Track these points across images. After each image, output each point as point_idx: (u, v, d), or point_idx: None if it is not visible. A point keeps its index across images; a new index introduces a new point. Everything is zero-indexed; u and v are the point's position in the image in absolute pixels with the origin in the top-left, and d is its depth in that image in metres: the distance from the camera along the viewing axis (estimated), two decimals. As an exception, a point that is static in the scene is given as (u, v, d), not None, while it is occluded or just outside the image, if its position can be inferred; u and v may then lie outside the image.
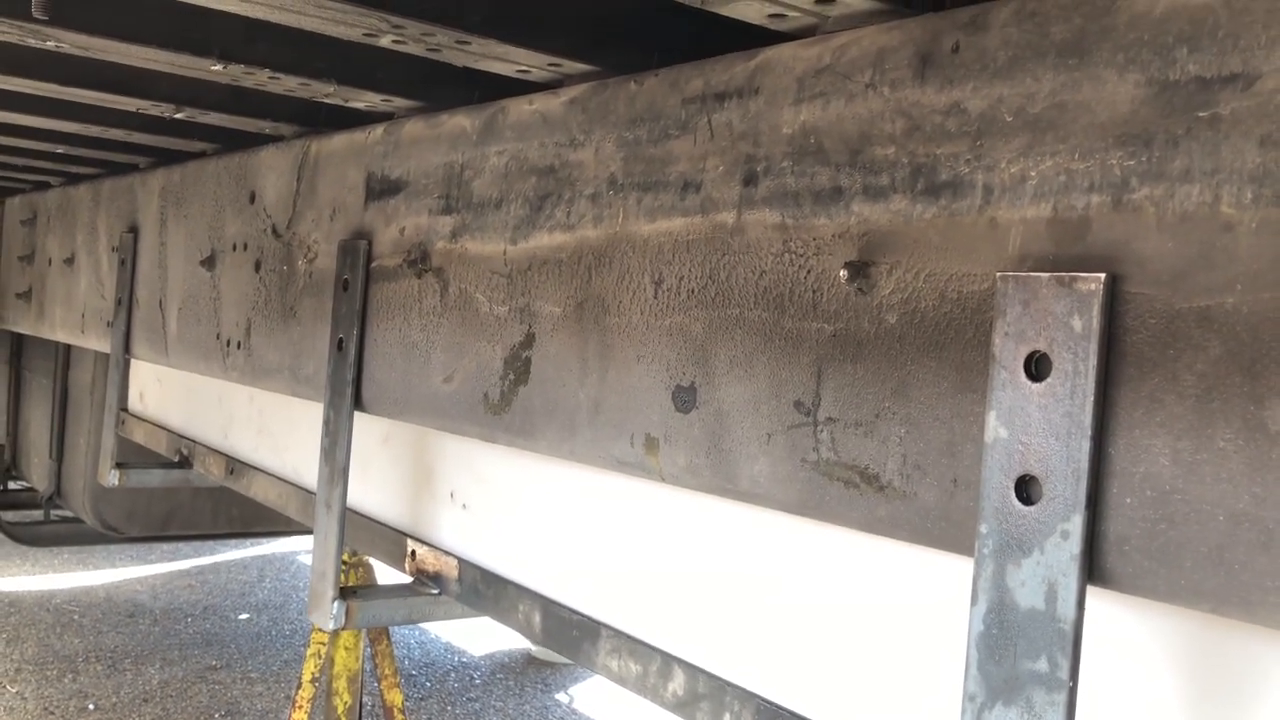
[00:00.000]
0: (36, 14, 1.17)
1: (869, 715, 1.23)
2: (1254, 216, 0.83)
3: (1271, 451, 0.81)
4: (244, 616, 6.30)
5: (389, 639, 4.11)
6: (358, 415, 1.98)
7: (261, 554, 7.69)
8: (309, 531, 5.61)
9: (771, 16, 1.19)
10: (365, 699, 4.52)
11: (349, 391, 1.94)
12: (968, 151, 1.02)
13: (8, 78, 2.00)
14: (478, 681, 5.47)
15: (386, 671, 4.09)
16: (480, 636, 6.14)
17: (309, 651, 3.96)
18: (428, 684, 5.38)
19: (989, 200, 1.00)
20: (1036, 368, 0.94)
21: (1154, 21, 0.90)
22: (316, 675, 3.98)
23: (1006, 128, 0.99)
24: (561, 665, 5.67)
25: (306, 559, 7.60)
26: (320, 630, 3.72)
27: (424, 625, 6.26)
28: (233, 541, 7.58)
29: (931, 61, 1.06)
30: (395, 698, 4.09)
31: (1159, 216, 0.88)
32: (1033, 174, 0.97)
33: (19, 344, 5.25)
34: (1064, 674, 0.90)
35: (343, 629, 1.96)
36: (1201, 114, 0.86)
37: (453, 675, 5.54)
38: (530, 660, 5.78)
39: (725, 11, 1.19)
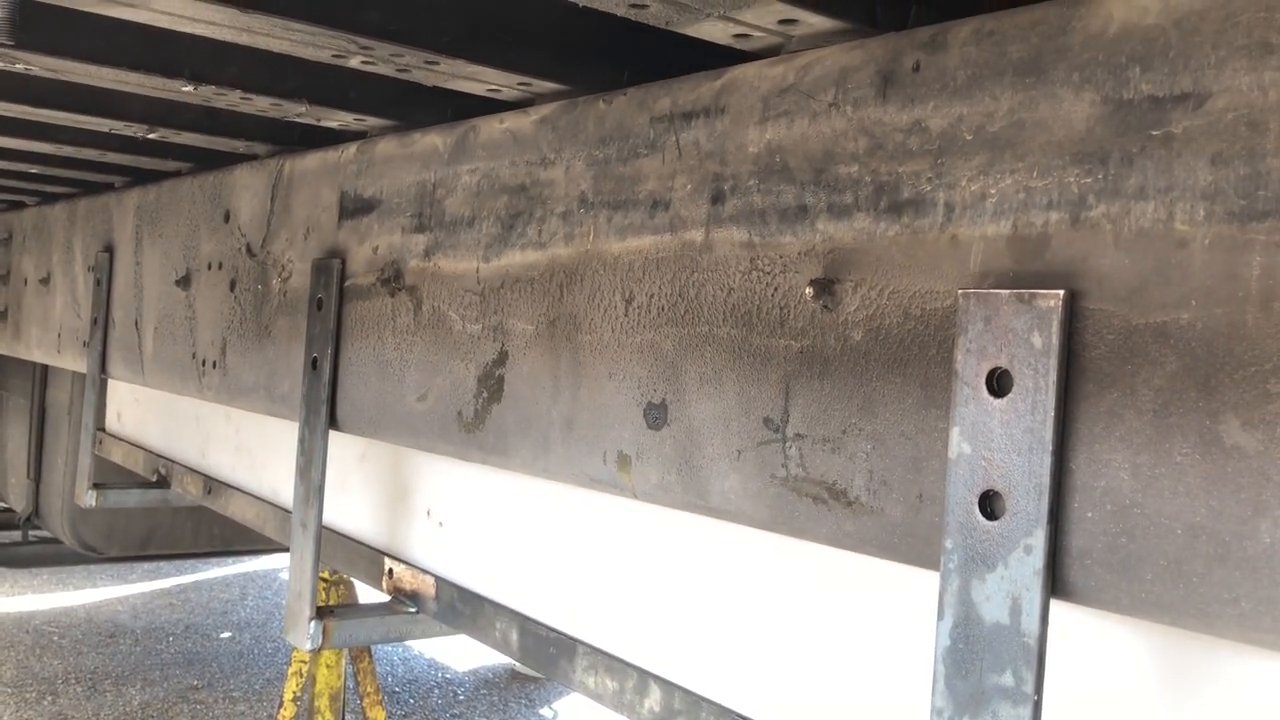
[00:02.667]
0: (3, 39, 1.17)
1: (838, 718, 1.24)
2: (1206, 233, 0.84)
3: (1227, 465, 0.82)
4: (226, 635, 6.26)
5: (371, 656, 4.09)
6: (334, 434, 1.98)
7: (243, 571, 7.64)
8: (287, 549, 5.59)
9: (736, 36, 1.20)
10: (348, 717, 4.50)
11: (324, 410, 1.94)
12: (929, 170, 1.03)
13: (-22, 99, 1.99)
14: (461, 698, 5.45)
15: (369, 689, 4.07)
16: (463, 652, 6.12)
17: (290, 670, 3.94)
18: (411, 701, 5.36)
19: (950, 218, 1.01)
20: (998, 384, 0.95)
21: (1108, 41, 0.91)
22: (298, 694, 3.96)
23: (966, 146, 1.01)
24: (545, 680, 5.66)
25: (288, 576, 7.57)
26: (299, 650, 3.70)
27: (407, 643, 6.23)
28: (214, 560, 7.53)
29: (893, 80, 1.07)
30: (378, 715, 4.07)
31: (1115, 233, 0.89)
32: (993, 192, 0.98)
33: (-4, 364, 5.21)
34: (1029, 688, 0.91)
35: (320, 649, 1.95)
36: (1155, 132, 0.87)
37: (436, 692, 5.52)
38: (514, 676, 5.76)
39: (691, 32, 1.20)
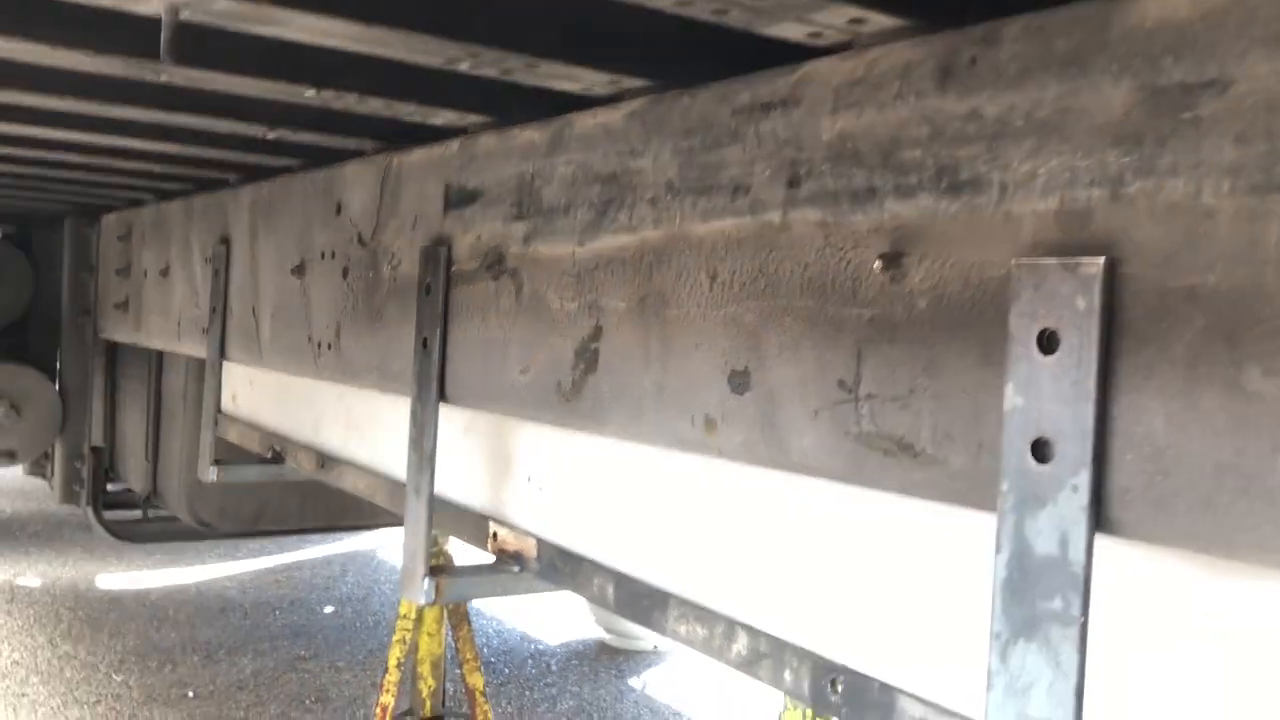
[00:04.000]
0: (165, 58, 1.35)
1: (908, 660, 1.36)
2: (1231, 205, 0.95)
3: (1249, 409, 0.93)
4: (329, 609, 6.56)
5: (469, 625, 4.30)
6: (441, 408, 2.15)
7: (344, 550, 7.96)
8: (390, 525, 5.84)
9: (810, 35, 1.32)
10: (447, 684, 4.73)
11: (434, 386, 2.11)
12: (985, 153, 1.15)
13: (118, 106, 2.20)
14: (553, 668, 5.65)
15: (468, 656, 4.28)
16: (555, 625, 6.33)
17: (394, 638, 4.16)
18: (506, 670, 5.58)
19: (1004, 196, 1.13)
20: (1047, 343, 1.06)
21: (1144, 34, 1.02)
22: (402, 660, 4.19)
23: (1018, 131, 1.12)
24: (634, 652, 5.83)
25: (387, 554, 7.86)
26: (410, 606, 3.91)
27: (501, 616, 6.46)
28: (316, 539, 7.86)
29: (951, 73, 1.19)
30: (476, 681, 4.28)
31: (1150, 207, 1.00)
32: (1041, 171, 1.09)
33: (113, 354, 5.54)
34: (1076, 610, 1.03)
35: (433, 603, 2.12)
36: (1185, 115, 0.98)
37: (530, 662, 5.73)
38: (604, 647, 5.95)
39: (768, 32, 1.33)
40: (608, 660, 5.78)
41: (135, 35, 1.61)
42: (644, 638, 5.83)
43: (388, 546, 7.93)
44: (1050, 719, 1.04)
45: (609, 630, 5.91)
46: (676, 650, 5.88)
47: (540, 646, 6.01)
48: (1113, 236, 1.03)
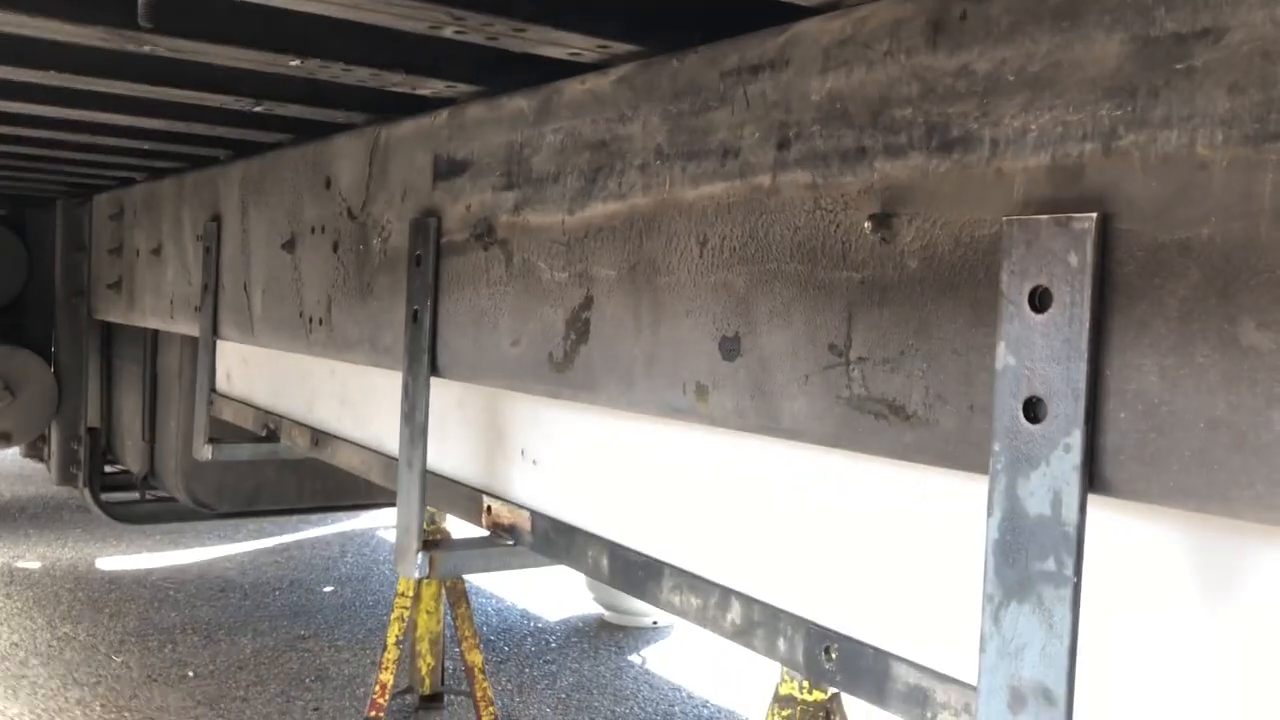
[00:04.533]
0: (143, 23, 1.32)
1: (902, 628, 1.35)
2: (1225, 156, 0.93)
3: (1243, 363, 0.91)
4: (328, 589, 6.56)
5: (468, 603, 4.30)
6: (433, 382, 2.13)
7: (342, 531, 7.97)
8: (388, 504, 5.83)
9: (798, -7, 1.30)
10: (446, 662, 4.73)
11: (425, 359, 2.10)
12: (976, 109, 1.13)
13: (104, 80, 2.17)
14: (553, 645, 5.66)
15: (466, 634, 4.28)
16: (554, 603, 6.34)
17: (393, 616, 4.16)
18: (505, 648, 5.59)
19: (995, 152, 1.11)
20: (1039, 301, 1.04)
21: (1136, -16, 1.00)
22: (400, 638, 4.19)
23: (1009, 86, 1.10)
24: (634, 628, 5.84)
25: (385, 534, 7.86)
26: (408, 584, 3.91)
27: (500, 594, 6.47)
28: (314, 519, 7.87)
29: (942, 29, 1.17)
30: (475, 658, 4.28)
31: (1143, 160, 0.98)
32: (1033, 127, 1.08)
33: (109, 334, 5.52)
34: (1069, 571, 1.01)
35: (427, 577, 2.11)
36: (1178, 66, 0.96)
37: (529, 640, 5.74)
38: (603, 624, 5.96)
39: (756, -9, 1.31)
40: (607, 637, 5.79)
41: (114, 3, 1.58)
42: (643, 614, 5.84)
43: (386, 526, 7.94)
44: (1043, 680, 1.03)
45: (608, 607, 5.92)
46: (676, 626, 5.89)
47: (539, 624, 6.02)
48: (1105, 191, 1.01)
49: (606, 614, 5.97)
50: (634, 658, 5.51)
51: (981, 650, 1.08)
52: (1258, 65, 0.91)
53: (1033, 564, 1.04)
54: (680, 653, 5.58)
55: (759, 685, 4.70)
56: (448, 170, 2.08)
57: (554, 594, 6.46)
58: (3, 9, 1.59)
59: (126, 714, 4.56)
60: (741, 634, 1.61)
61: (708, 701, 4.99)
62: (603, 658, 5.49)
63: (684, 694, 5.06)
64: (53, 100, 2.45)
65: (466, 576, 4.37)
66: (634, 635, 5.82)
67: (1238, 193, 0.92)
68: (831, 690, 2.66)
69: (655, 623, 5.84)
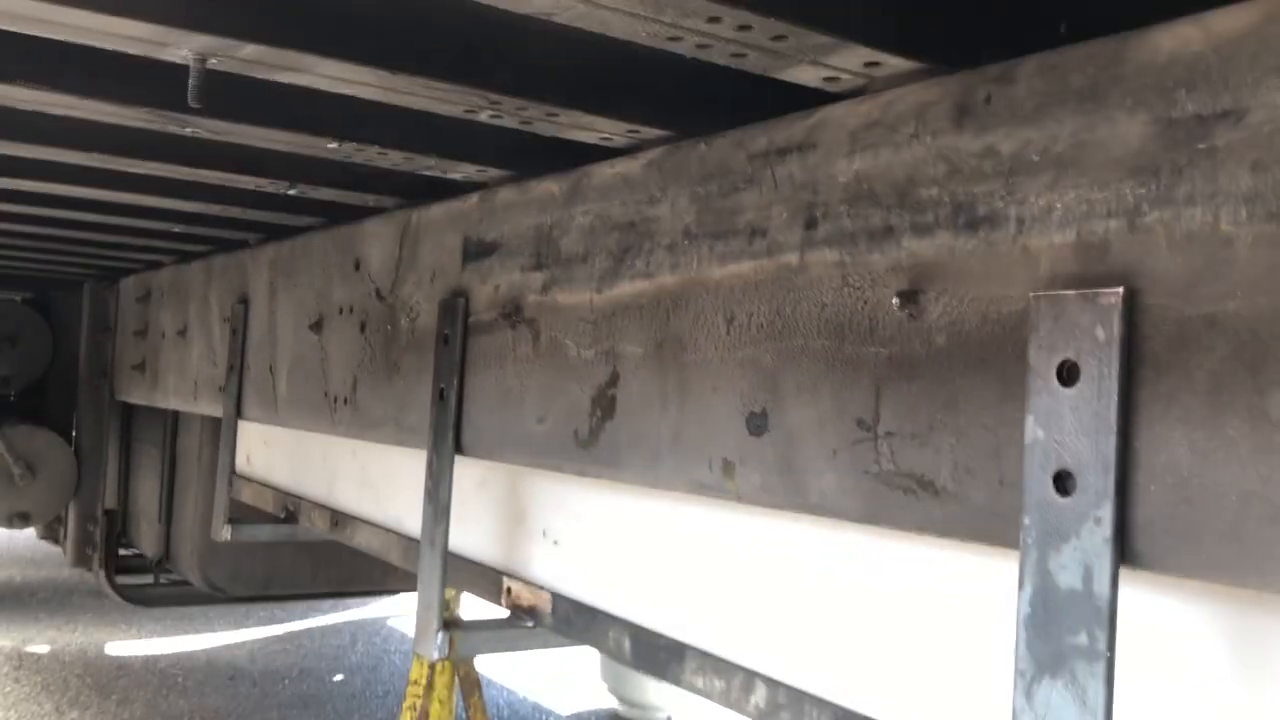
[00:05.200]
0: (193, 104, 1.37)
1: (931, 708, 1.34)
2: (1249, 232, 0.95)
3: (1274, 436, 0.92)
4: (339, 678, 6.47)
5: (480, 692, 4.24)
6: (455, 463, 2.14)
7: (353, 619, 7.88)
8: (400, 590, 5.78)
9: (826, 79, 1.34)
10: (458, 754, 4.64)
11: (450, 436, 2.11)
12: (1001, 189, 1.16)
13: (143, 162, 2.24)
14: (565, 739, 5.55)
15: (479, 723, 4.20)
16: (567, 695, 6.23)
17: (405, 705, 4.10)
18: (517, 741, 5.48)
19: (1021, 230, 1.13)
20: (1067, 374, 1.06)
21: (1157, 68, 1.03)
22: (412, 727, 4.11)
23: (1034, 166, 1.13)
24: (647, 723, 5.73)
25: (396, 623, 7.78)
26: (421, 672, 3.86)
27: (512, 686, 6.37)
28: (325, 607, 7.79)
29: (967, 111, 1.20)
30: (487, 749, 4.20)
31: (1168, 236, 1.01)
32: (1058, 205, 1.10)
33: (128, 417, 5.55)
34: (1102, 645, 1.01)
35: (446, 657, 2.09)
36: (1200, 146, 0.99)
37: (541, 733, 5.63)
38: (616, 718, 5.84)
39: (785, 77, 1.35)
40: (620, 731, 5.68)
41: (163, 85, 1.64)
42: (657, 707, 5.73)
43: (398, 615, 7.85)
44: (1078, 758, 1.02)
45: (621, 700, 5.82)
46: (690, 719, 5.77)
47: (551, 717, 5.91)
48: (1131, 267, 1.03)
49: (620, 707, 5.86)
50: (647, 753, 5.39)
51: (1015, 727, 1.07)
52: (1279, 144, 0.93)
53: (1065, 639, 1.04)
54: (695, 748, 5.47)
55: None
56: (477, 252, 2.12)
57: (566, 685, 6.36)
58: (54, 91, 1.65)
59: (131, 803, 4.47)
60: (766, 717, 1.59)
61: (723, 799, 4.88)
62: (616, 752, 5.38)
63: (699, 791, 4.94)
64: (89, 181, 2.52)
65: (478, 665, 4.31)
66: (648, 730, 5.71)
67: (1263, 267, 0.93)
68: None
69: (670, 717, 5.73)
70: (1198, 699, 1.09)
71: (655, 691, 5.65)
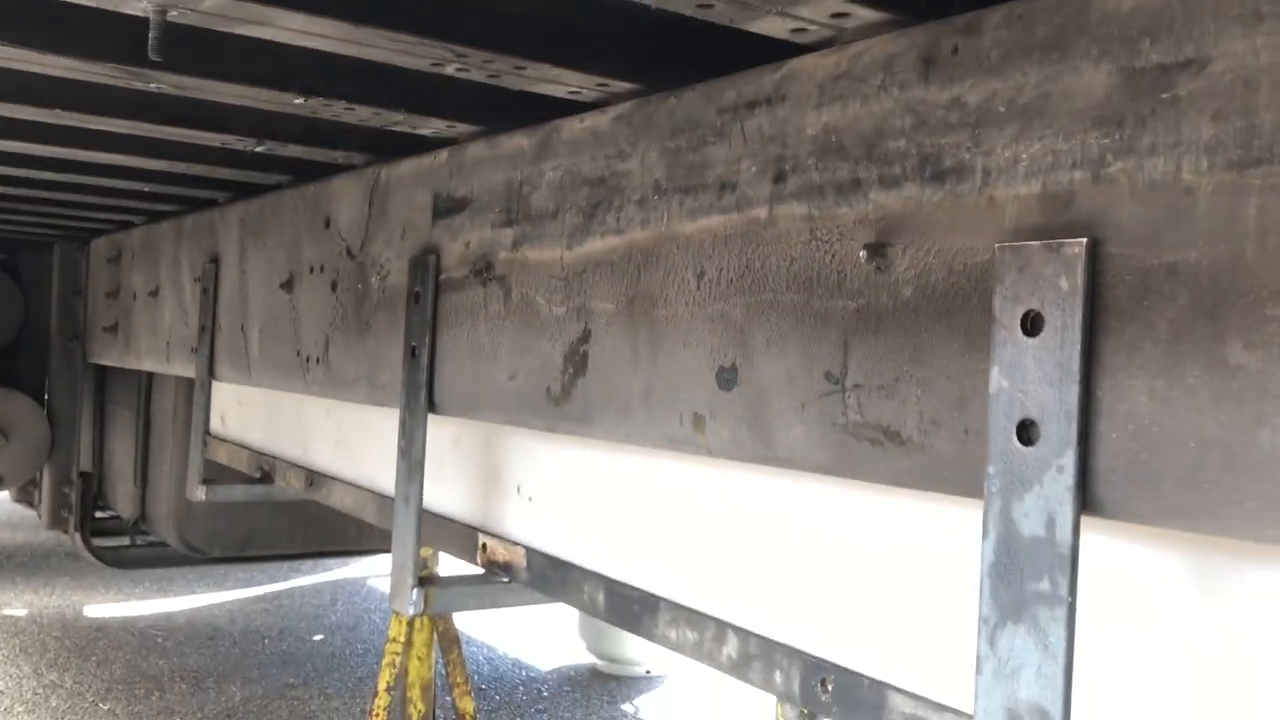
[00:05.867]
0: (153, 56, 1.35)
1: (898, 654, 1.36)
2: (1210, 181, 0.95)
3: (1232, 383, 0.93)
4: (318, 638, 6.50)
5: (460, 649, 4.27)
6: (429, 421, 2.14)
7: (332, 579, 7.91)
8: (379, 550, 5.80)
9: (794, 31, 1.33)
10: (437, 710, 4.68)
11: (423, 395, 2.11)
12: (968, 140, 1.16)
13: (108, 119, 2.20)
14: (545, 694, 5.61)
15: (459, 680, 4.24)
16: (546, 652, 6.28)
17: (384, 662, 4.12)
18: (497, 697, 5.53)
19: (987, 182, 1.14)
20: (1031, 325, 1.06)
21: (1121, 18, 1.03)
22: (391, 684, 4.14)
23: (1000, 117, 1.13)
24: (626, 677, 5.79)
25: (376, 583, 7.81)
26: (400, 629, 3.88)
27: (492, 643, 6.41)
28: (305, 568, 7.81)
29: (934, 63, 1.20)
30: (468, 705, 4.23)
31: (1131, 186, 1.01)
32: (1024, 156, 1.10)
33: (102, 379, 5.52)
34: (1064, 591, 1.02)
35: (422, 613, 2.11)
36: (1164, 95, 0.99)
37: (521, 689, 5.68)
38: (596, 673, 5.90)
39: (752, 28, 1.34)
40: (600, 686, 5.74)
41: (124, 39, 1.62)
42: (636, 663, 5.79)
43: (377, 575, 7.88)
44: (1039, 701, 1.03)
45: (600, 656, 5.87)
46: (669, 675, 5.84)
47: (531, 672, 5.96)
48: (1094, 218, 1.03)
49: (599, 663, 5.92)
50: (627, 707, 5.46)
51: (978, 672, 1.09)
52: (1239, 93, 0.93)
53: (1028, 585, 1.05)
54: (672, 701, 5.53)
55: (753, 734, 4.66)
56: (447, 208, 2.11)
57: (546, 642, 6.41)
58: (15, 46, 1.62)
59: (112, 762, 4.50)
60: (738, 667, 1.61)
61: (701, 751, 4.94)
62: (595, 707, 5.44)
63: (677, 744, 5.01)
64: (54, 140, 2.48)
65: (458, 625, 4.33)
66: (627, 684, 5.77)
67: (1223, 217, 0.94)
68: (827, 733, 2.64)
69: (648, 671, 5.79)
70: (1159, 643, 1.11)
71: (633, 647, 5.70)
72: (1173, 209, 0.98)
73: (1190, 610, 1.07)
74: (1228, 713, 1.05)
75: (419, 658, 4.46)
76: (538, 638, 6.49)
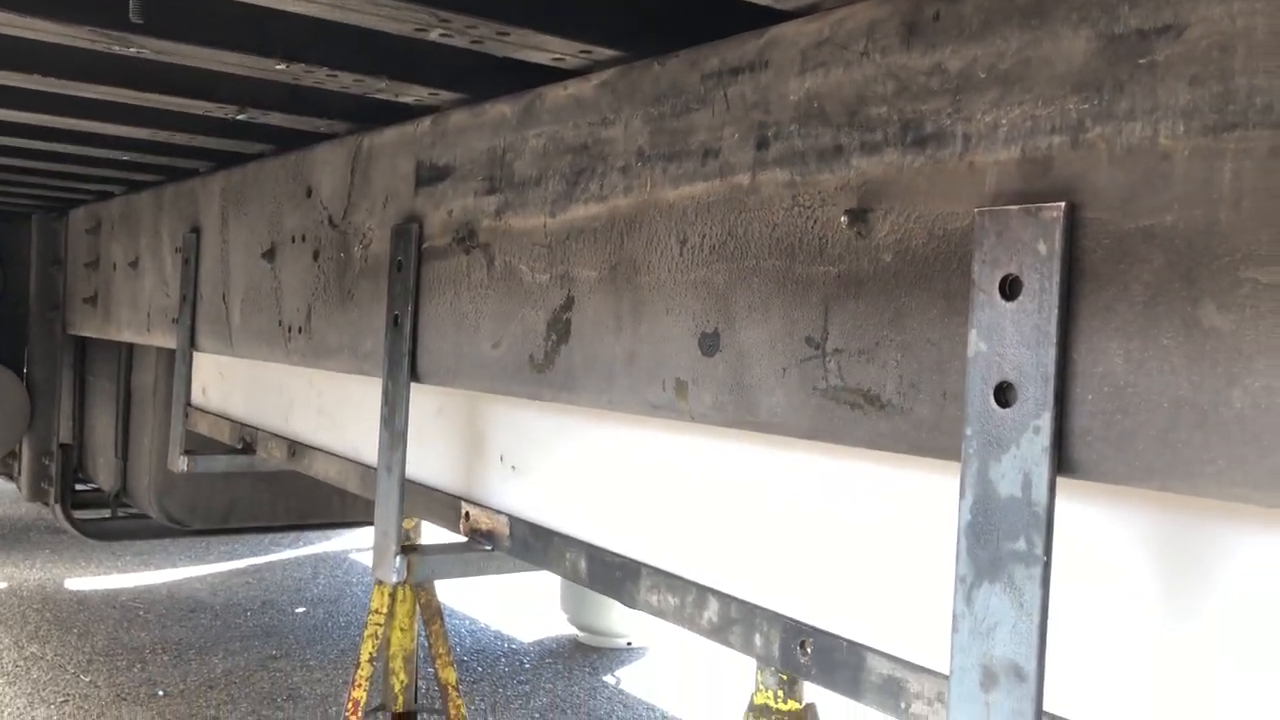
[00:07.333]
0: (134, 18, 1.34)
1: (876, 617, 1.38)
2: (1186, 145, 0.97)
3: (1205, 344, 0.94)
4: (300, 610, 6.51)
5: (442, 620, 4.29)
6: (412, 391, 2.14)
7: (314, 553, 7.92)
8: (360, 523, 5.80)
9: (777, -5, 1.34)
10: (420, 682, 4.71)
11: (405, 363, 2.11)
12: (949, 106, 1.17)
13: (88, 84, 2.19)
14: (527, 666, 5.64)
15: (440, 651, 4.26)
16: (528, 624, 6.32)
17: (366, 633, 4.14)
18: (479, 669, 5.56)
19: (968, 147, 1.15)
20: (1010, 288, 1.08)
21: (1102, -17, 1.04)
22: (374, 655, 4.16)
23: (981, 83, 1.14)
24: (608, 649, 5.83)
25: (358, 557, 7.82)
26: (383, 600, 3.89)
27: (474, 615, 6.44)
28: (286, 541, 7.82)
29: (916, 29, 1.21)
30: (450, 676, 4.26)
31: (1109, 151, 1.02)
32: (1004, 122, 1.11)
33: (82, 350, 5.49)
34: (1040, 550, 1.04)
35: (405, 581, 2.12)
36: (1141, 61, 1.00)
37: (503, 660, 5.72)
38: (577, 645, 5.94)
39: (736, -7, 1.34)
40: (581, 658, 5.78)
41: (105, 1, 1.60)
42: (618, 635, 5.83)
43: (359, 549, 7.89)
44: (1014, 658, 1.05)
45: (582, 628, 5.91)
46: (650, 647, 5.88)
47: (513, 645, 5.99)
48: (1073, 182, 1.05)
49: (581, 635, 5.95)
50: (608, 678, 5.50)
51: (954, 630, 1.11)
52: (1216, 59, 0.95)
53: (1004, 544, 1.07)
54: (654, 673, 5.57)
55: (732, 706, 4.70)
56: (430, 176, 2.11)
57: (528, 615, 6.44)
58: (-7, 7, 1.61)
59: (94, 733, 4.51)
60: (718, 631, 1.63)
61: (682, 721, 4.99)
62: (577, 678, 5.47)
63: (658, 714, 5.06)
64: (30, 106, 2.46)
65: (440, 598, 4.35)
66: (608, 656, 5.81)
67: (1198, 180, 0.95)
68: (807, 700, 2.67)
69: (629, 644, 5.83)
70: (1131, 602, 1.13)
71: (615, 619, 5.74)
72: (1150, 173, 0.99)
73: (1157, 572, 1.09)
74: (1195, 673, 1.07)
75: (401, 629, 4.48)
76: (520, 611, 6.52)
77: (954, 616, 1.11)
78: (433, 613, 4.28)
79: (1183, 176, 0.96)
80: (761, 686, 2.65)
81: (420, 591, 4.19)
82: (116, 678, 5.16)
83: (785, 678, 2.55)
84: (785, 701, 2.63)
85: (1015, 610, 1.05)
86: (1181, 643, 1.09)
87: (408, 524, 3.94)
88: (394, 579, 2.10)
